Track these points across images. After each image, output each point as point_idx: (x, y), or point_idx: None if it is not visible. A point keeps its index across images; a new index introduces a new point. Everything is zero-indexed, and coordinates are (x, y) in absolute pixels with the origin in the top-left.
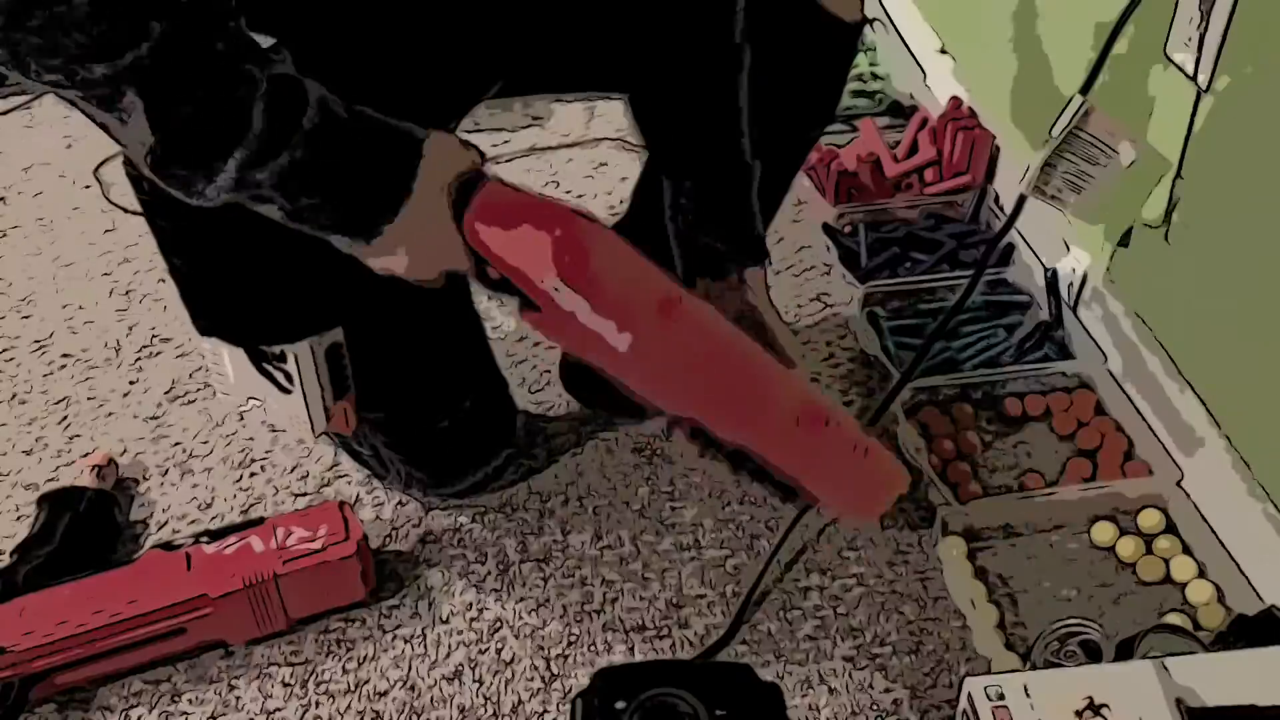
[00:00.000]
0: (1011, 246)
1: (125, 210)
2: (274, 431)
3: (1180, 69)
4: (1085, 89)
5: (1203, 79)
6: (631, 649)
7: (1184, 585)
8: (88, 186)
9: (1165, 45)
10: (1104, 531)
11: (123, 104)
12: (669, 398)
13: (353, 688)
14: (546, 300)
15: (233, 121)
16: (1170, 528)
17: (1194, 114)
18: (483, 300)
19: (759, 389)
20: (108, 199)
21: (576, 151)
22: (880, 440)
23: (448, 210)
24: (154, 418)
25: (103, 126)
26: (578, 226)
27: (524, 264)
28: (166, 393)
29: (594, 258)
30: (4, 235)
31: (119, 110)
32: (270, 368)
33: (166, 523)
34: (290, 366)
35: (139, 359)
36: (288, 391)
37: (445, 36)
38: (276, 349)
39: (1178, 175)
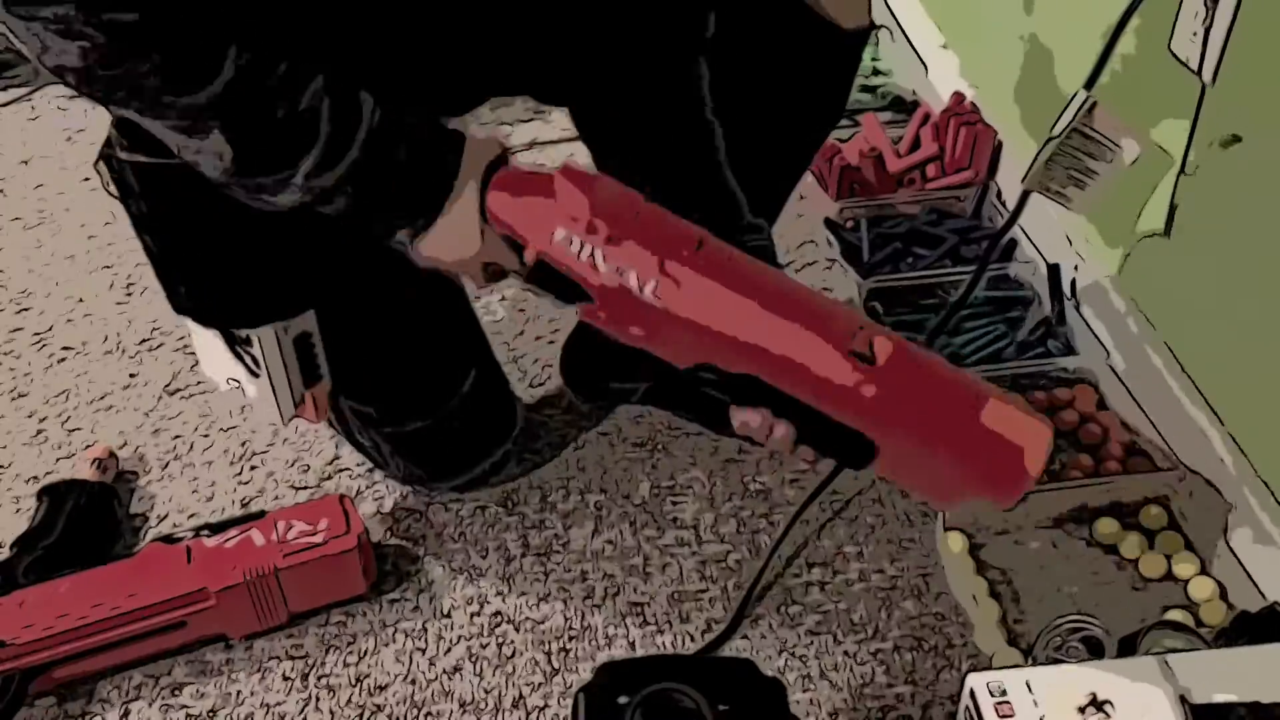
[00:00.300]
0: (1014, 242)
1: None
2: (274, 425)
3: (1185, 64)
4: (1089, 84)
5: (1207, 74)
6: (633, 643)
7: (1186, 582)
8: (87, 179)
9: (1170, 40)
10: (1106, 527)
11: (201, 129)
12: (719, 351)
13: (353, 681)
14: (570, 259)
15: (301, 134)
16: (1172, 524)
17: (1198, 109)
18: (483, 295)
19: (819, 325)
20: (108, 192)
21: (579, 146)
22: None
23: (478, 197)
24: (154, 411)
25: (175, 143)
26: (574, 174)
27: (534, 224)
28: (166, 386)
29: (596, 200)
30: (3, 228)
31: (197, 134)
32: (241, 351)
33: (167, 516)
34: (256, 351)
35: (139, 352)
36: (256, 376)
37: (424, 60)
38: (243, 333)
39: (1181, 171)
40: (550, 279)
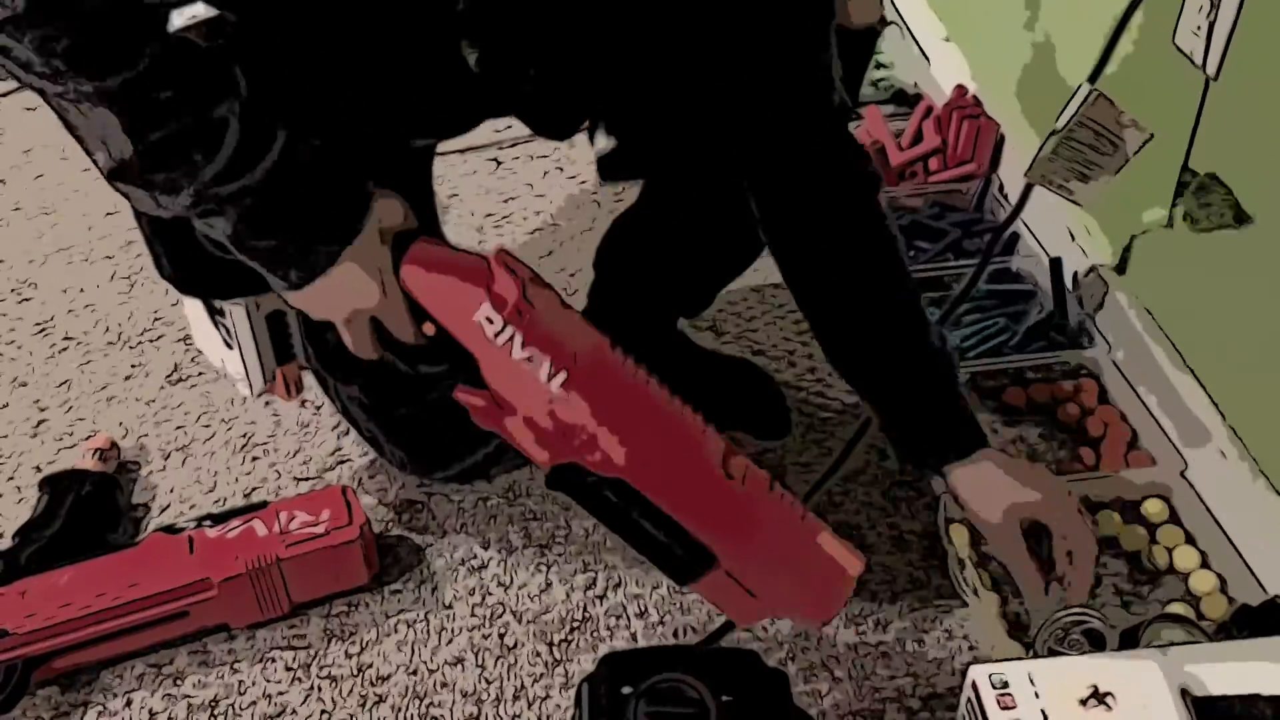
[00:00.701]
0: (1016, 235)
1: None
2: (276, 416)
3: (1189, 58)
4: (1093, 78)
5: (1211, 68)
6: (634, 635)
7: (1187, 575)
8: (87, 169)
9: (1174, 34)
10: (1108, 521)
11: (103, 116)
12: (599, 450)
13: (355, 672)
14: (479, 340)
15: (206, 143)
16: (1174, 518)
17: (1202, 103)
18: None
19: (696, 444)
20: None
21: (581, 137)
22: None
23: (388, 258)
24: (156, 401)
25: (69, 127)
26: (509, 261)
27: (457, 299)
28: (168, 376)
29: (526, 287)
30: (5, 218)
31: (99, 121)
32: (218, 322)
33: (169, 506)
34: (229, 323)
35: (140, 342)
36: (230, 348)
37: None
38: (218, 304)
39: (1185, 165)
40: (437, 355)
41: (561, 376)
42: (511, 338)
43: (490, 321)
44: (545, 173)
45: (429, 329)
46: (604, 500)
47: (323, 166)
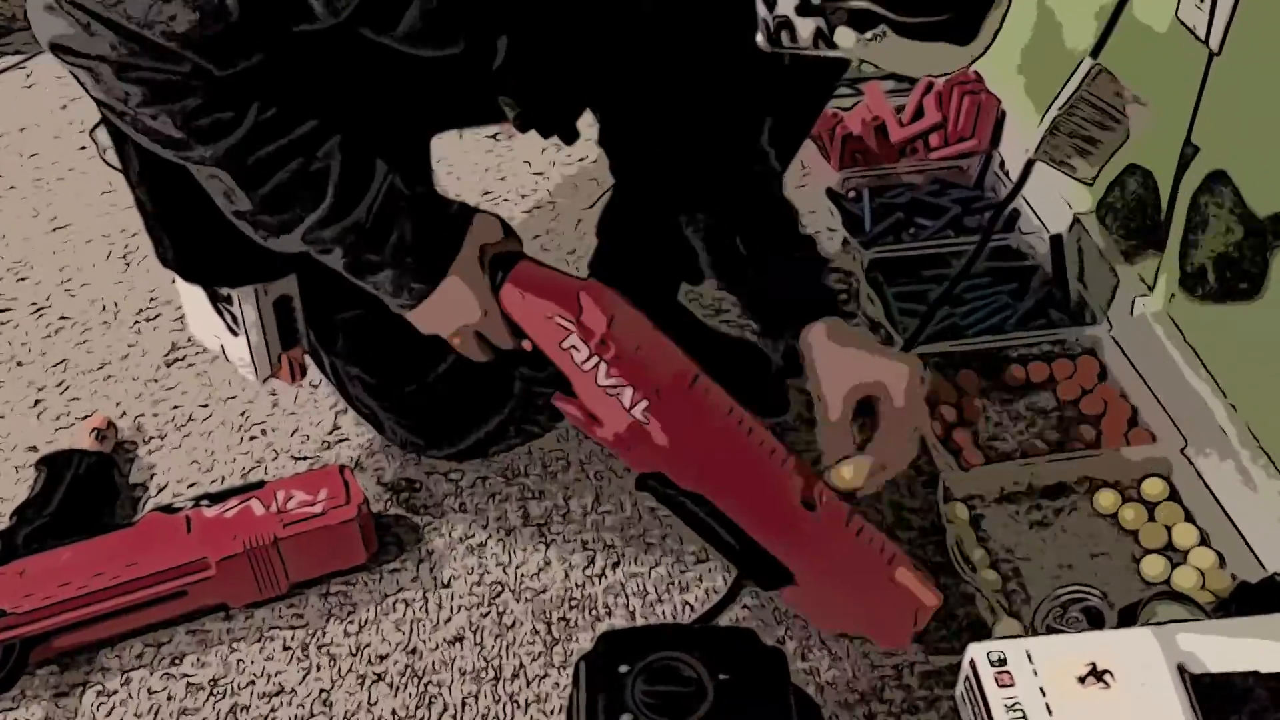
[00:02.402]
0: (1016, 212)
1: (121, 171)
2: (274, 395)
3: (1192, 31)
4: (1095, 52)
5: (1214, 42)
6: (633, 613)
7: (1186, 552)
8: (83, 148)
9: (1177, 8)
10: (1106, 498)
11: (220, 173)
12: (681, 471)
13: (354, 651)
14: (568, 364)
15: (310, 192)
16: (1173, 495)
17: (1205, 77)
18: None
19: (775, 476)
20: (104, 160)
21: (581, 125)
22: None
23: (486, 278)
24: (153, 380)
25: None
26: (600, 293)
27: (548, 327)
28: (165, 356)
29: (613, 320)
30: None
31: (219, 176)
32: (221, 308)
33: (166, 485)
34: (236, 309)
35: (137, 322)
36: (235, 334)
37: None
38: (224, 291)
39: (1187, 139)
40: (537, 365)
41: (643, 405)
42: (597, 366)
43: (578, 350)
44: (543, 149)
45: (528, 344)
46: (687, 511)
47: (420, 195)
